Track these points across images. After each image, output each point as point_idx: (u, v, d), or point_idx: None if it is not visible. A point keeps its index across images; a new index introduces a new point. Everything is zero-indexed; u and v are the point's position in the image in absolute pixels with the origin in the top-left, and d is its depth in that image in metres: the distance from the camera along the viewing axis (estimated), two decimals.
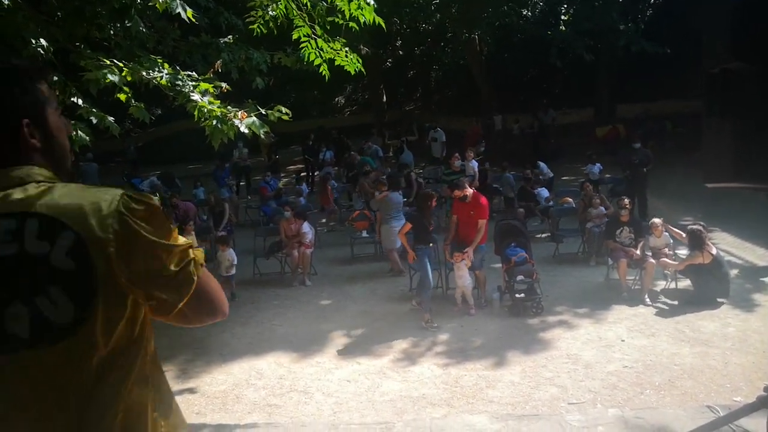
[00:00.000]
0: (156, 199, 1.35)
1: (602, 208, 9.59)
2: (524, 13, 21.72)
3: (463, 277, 7.35)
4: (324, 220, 12.87)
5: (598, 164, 13.08)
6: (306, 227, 9.14)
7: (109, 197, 1.29)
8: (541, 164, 13.39)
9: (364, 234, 10.23)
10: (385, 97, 23.70)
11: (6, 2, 4.78)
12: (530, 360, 6.05)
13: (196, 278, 1.36)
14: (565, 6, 19.37)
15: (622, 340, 6.37)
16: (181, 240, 1.36)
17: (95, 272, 1.24)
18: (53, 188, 1.30)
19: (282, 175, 17.59)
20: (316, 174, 16.78)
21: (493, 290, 7.68)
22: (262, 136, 5.04)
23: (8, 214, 1.25)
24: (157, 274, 1.30)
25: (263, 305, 8.27)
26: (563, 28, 18.94)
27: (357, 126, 24.77)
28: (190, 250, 1.37)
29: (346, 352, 6.55)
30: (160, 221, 1.32)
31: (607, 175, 13.21)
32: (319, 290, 8.75)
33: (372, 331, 7.07)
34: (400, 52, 26.15)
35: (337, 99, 29.47)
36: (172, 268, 1.32)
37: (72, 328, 1.24)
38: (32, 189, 1.29)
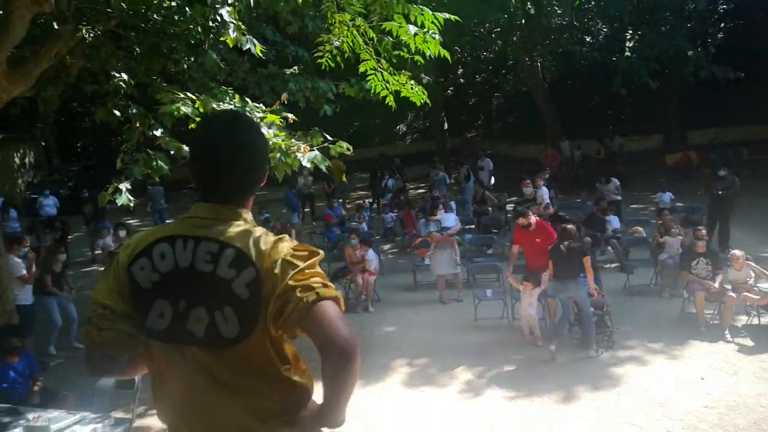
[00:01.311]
0: (319, 250, 1.61)
1: (679, 238, 9.18)
2: (588, 39, 21.43)
3: (532, 305, 7.15)
4: (394, 243, 12.86)
5: (668, 192, 12.58)
6: (371, 254, 9.15)
7: (280, 244, 1.57)
8: (614, 180, 12.92)
9: (427, 261, 10.14)
10: (446, 125, 23.72)
11: (91, 39, 5.07)
12: (601, 396, 5.79)
13: (310, 301, 1.48)
14: (630, 32, 18.96)
15: (702, 378, 6.01)
16: (322, 281, 1.53)
17: (261, 304, 1.52)
18: (251, 230, 1.60)
19: (344, 201, 17.77)
20: (380, 200, 16.86)
21: (562, 321, 7.43)
22: (324, 170, 5.13)
23: (214, 240, 1.57)
24: (288, 288, 1.50)
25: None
26: (628, 54, 18.51)
27: (418, 153, 24.86)
28: (324, 285, 1.52)
29: (410, 381, 6.45)
30: (312, 264, 1.56)
31: (679, 204, 12.67)
32: (383, 317, 8.70)
33: (436, 360, 6.94)
34: (462, 80, 26.19)
35: (398, 127, 29.73)
36: (304, 288, 1.50)
37: (233, 342, 1.54)
38: (238, 227, 1.60)
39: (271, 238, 1.59)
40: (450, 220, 9.67)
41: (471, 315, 8.01)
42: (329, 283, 1.55)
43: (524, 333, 7.32)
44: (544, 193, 11.65)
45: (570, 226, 7.24)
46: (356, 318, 8.69)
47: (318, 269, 1.57)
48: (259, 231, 1.60)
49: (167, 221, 15.72)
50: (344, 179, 18.10)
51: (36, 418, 4.45)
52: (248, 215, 1.67)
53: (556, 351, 6.70)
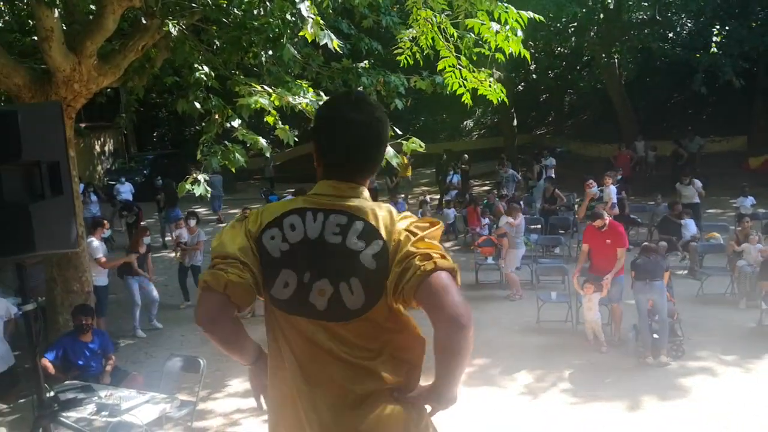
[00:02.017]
0: (440, 223, 1.67)
1: (759, 245, 8.73)
2: (670, 35, 20.56)
3: (592, 310, 6.99)
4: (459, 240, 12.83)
5: (750, 197, 11.96)
6: None
7: (405, 218, 1.64)
8: (697, 181, 12.38)
9: (490, 260, 10.06)
10: (515, 121, 23.34)
11: (175, 33, 5.29)
12: (668, 407, 5.60)
13: (427, 270, 1.51)
14: (718, 27, 18.06)
15: None
16: (440, 252, 1.56)
17: (388, 275, 1.55)
18: (377, 205, 1.66)
19: (406, 196, 17.81)
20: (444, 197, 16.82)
21: (629, 328, 7.22)
22: (396, 166, 5.16)
23: (343, 212, 1.62)
24: (409, 254, 1.54)
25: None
26: (715, 50, 17.67)
27: (484, 150, 24.57)
28: (443, 257, 1.55)
29: (468, 383, 6.42)
30: (432, 234, 1.60)
31: (761, 210, 12.01)
32: None
33: (495, 361, 6.89)
34: (533, 76, 25.67)
35: (465, 122, 29.46)
36: (423, 255, 1.54)
37: (358, 313, 1.58)
38: (363, 202, 1.66)
39: (396, 213, 1.65)
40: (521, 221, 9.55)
41: (533, 317, 7.90)
42: (447, 255, 1.57)
43: (588, 338, 7.16)
44: (612, 191, 11.25)
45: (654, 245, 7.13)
46: (416, 315, 8.72)
47: (437, 241, 1.61)
48: (384, 206, 1.67)
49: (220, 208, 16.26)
50: (409, 174, 18.14)
51: (108, 396, 4.69)
52: (368, 193, 1.71)
53: (645, 355, 6.59)
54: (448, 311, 1.47)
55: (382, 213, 1.62)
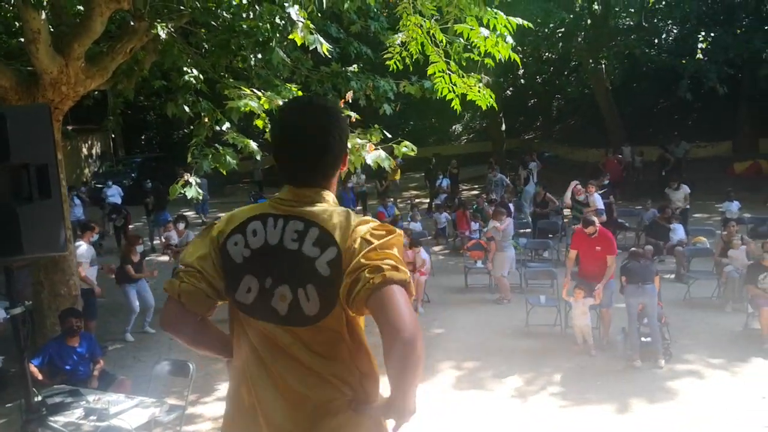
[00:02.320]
0: (398, 230, 1.65)
1: (743, 248, 8.82)
2: (656, 41, 20.78)
3: (585, 315, 7.02)
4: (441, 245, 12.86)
5: (736, 202, 12.09)
6: (423, 254, 9.16)
7: (362, 224, 1.61)
8: (685, 187, 12.50)
9: (479, 264, 10.09)
10: (504, 126, 23.46)
11: (163, 36, 5.27)
12: (656, 410, 5.64)
13: (376, 283, 1.49)
14: (703, 34, 18.27)
15: (763, 398, 5.78)
16: (394, 262, 1.54)
17: (341, 282, 1.55)
18: (335, 210, 1.66)
19: (395, 200, 17.83)
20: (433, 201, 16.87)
21: (617, 332, 7.26)
22: (387, 169, 5.17)
23: (300, 219, 1.63)
24: (359, 266, 1.53)
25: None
26: (700, 57, 17.87)
27: (473, 154, 24.66)
28: (394, 268, 1.53)
29: (457, 384, 6.44)
30: (388, 243, 1.58)
31: (747, 215, 12.15)
32: (432, 318, 8.70)
33: (485, 364, 6.90)
34: (522, 81, 25.83)
35: (454, 127, 29.57)
36: (373, 267, 1.52)
37: (314, 320, 1.60)
38: (322, 207, 1.66)
39: (354, 218, 1.64)
40: (510, 225, 9.58)
41: (522, 320, 7.92)
42: (401, 266, 1.55)
43: (577, 341, 7.20)
44: (597, 199, 11.29)
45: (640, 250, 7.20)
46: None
47: (393, 250, 1.58)
48: (342, 211, 1.66)
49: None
50: (398, 177, 18.16)
51: (96, 400, 4.65)
52: (331, 197, 1.73)
53: (634, 358, 6.63)
54: (393, 325, 1.46)
55: (338, 219, 1.63)
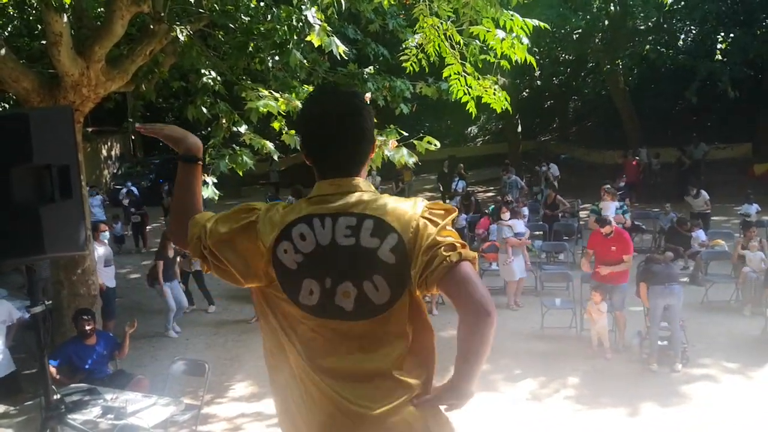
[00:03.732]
0: (454, 207, 1.67)
1: (760, 253, 8.71)
2: (675, 42, 20.58)
3: (601, 317, 6.98)
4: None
5: (755, 204, 11.93)
6: None
7: (414, 205, 1.63)
8: (704, 193, 12.39)
9: (494, 266, 10.05)
10: (520, 127, 23.35)
11: (182, 38, 5.34)
12: (671, 414, 5.60)
13: (454, 261, 1.53)
14: (722, 34, 18.07)
15: None
16: (460, 242, 1.59)
17: (409, 266, 1.56)
18: (379, 197, 1.66)
19: None
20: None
21: (633, 335, 7.21)
22: (411, 166, 5.18)
23: (350, 214, 1.61)
24: (436, 244, 1.55)
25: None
26: (718, 58, 17.68)
27: (489, 156, 24.57)
28: (463, 246, 1.58)
29: None
30: (445, 222, 1.61)
31: (766, 217, 11.98)
32: (446, 320, 8.66)
33: (498, 367, 6.87)
34: (538, 82, 25.70)
35: (470, 128, 29.48)
36: (448, 246, 1.56)
37: (385, 308, 1.59)
38: (367, 196, 1.65)
39: (405, 201, 1.65)
40: (520, 225, 9.55)
41: (537, 323, 7.89)
42: (466, 243, 1.60)
43: (593, 344, 7.16)
44: (611, 209, 11.10)
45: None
46: None
47: (452, 228, 1.63)
48: (389, 197, 1.66)
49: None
50: (408, 179, 18.15)
51: (114, 399, 4.71)
52: (368, 185, 1.70)
53: (651, 362, 6.60)
54: (476, 300, 1.52)
55: (390, 205, 1.62)
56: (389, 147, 4.82)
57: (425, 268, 1.54)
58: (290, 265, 1.63)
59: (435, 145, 5.00)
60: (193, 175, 1.89)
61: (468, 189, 16.56)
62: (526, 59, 4.66)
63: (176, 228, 1.82)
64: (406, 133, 5.32)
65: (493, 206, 13.68)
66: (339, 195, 1.64)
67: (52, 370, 5.41)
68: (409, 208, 1.61)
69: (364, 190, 1.66)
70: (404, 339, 1.65)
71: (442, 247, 1.54)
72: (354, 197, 1.63)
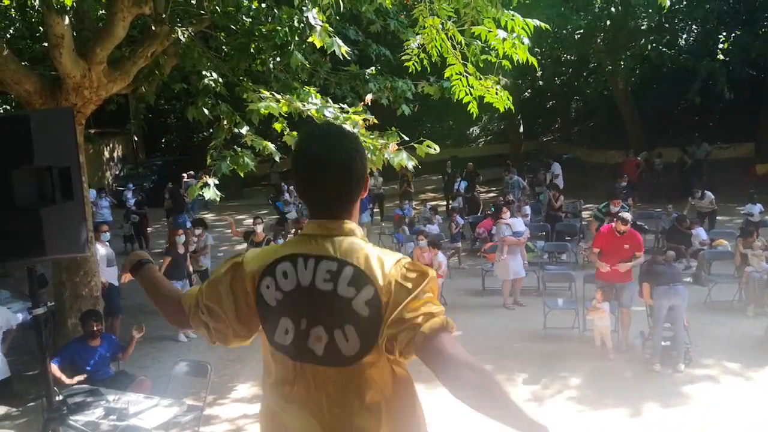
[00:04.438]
0: (432, 271, 1.61)
1: (761, 251, 8.68)
2: (676, 42, 20.55)
3: (605, 316, 6.96)
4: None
5: (759, 204, 11.90)
6: (441, 257, 9.15)
7: (394, 262, 1.59)
8: (709, 194, 12.38)
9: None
10: (522, 127, 23.33)
11: (184, 40, 5.34)
12: (670, 414, 5.60)
13: (431, 331, 1.51)
14: (724, 34, 18.01)
15: None
16: (436, 308, 1.56)
17: (382, 321, 1.54)
18: (364, 246, 1.63)
19: (415, 203, 17.83)
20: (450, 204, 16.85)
21: (636, 335, 7.19)
22: (411, 169, 5.18)
23: (332, 258, 1.60)
24: (403, 320, 1.53)
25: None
26: (720, 58, 17.62)
27: (491, 156, 24.55)
28: (441, 315, 1.55)
29: None
30: (425, 288, 1.56)
31: None
32: None
33: (501, 368, 6.86)
34: (540, 83, 25.68)
35: (472, 129, 29.46)
36: (419, 318, 1.53)
37: (353, 360, 1.58)
38: (353, 243, 1.63)
39: (388, 255, 1.62)
40: (519, 224, 9.54)
41: (540, 323, 7.88)
42: (439, 307, 1.56)
43: (595, 344, 7.14)
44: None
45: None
46: None
47: (429, 293, 1.57)
48: (372, 248, 1.64)
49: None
50: (410, 179, 18.14)
51: (116, 400, 4.71)
52: (358, 229, 1.69)
53: (654, 362, 6.58)
54: (453, 360, 1.48)
55: (371, 256, 1.59)
56: (389, 150, 4.81)
57: (397, 339, 1.52)
58: (270, 302, 1.65)
59: (434, 149, 4.99)
60: (149, 275, 2.01)
61: (475, 191, 16.53)
62: (527, 59, 4.65)
63: (171, 316, 1.90)
64: (407, 138, 5.31)
65: (493, 207, 13.69)
66: (324, 237, 1.64)
67: (54, 368, 5.43)
68: (390, 266, 1.58)
69: (353, 235, 1.65)
70: (373, 397, 1.62)
71: (414, 320, 1.51)
72: (340, 242, 1.62)
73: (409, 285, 1.55)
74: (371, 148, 4.79)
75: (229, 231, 11.23)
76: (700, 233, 10.49)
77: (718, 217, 13.10)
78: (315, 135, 1.73)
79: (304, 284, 1.61)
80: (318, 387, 1.62)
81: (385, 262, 1.58)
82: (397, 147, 4.89)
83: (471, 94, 5.00)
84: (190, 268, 8.57)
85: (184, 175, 17.45)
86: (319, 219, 1.67)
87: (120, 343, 6.15)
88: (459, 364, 1.48)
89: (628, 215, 7.59)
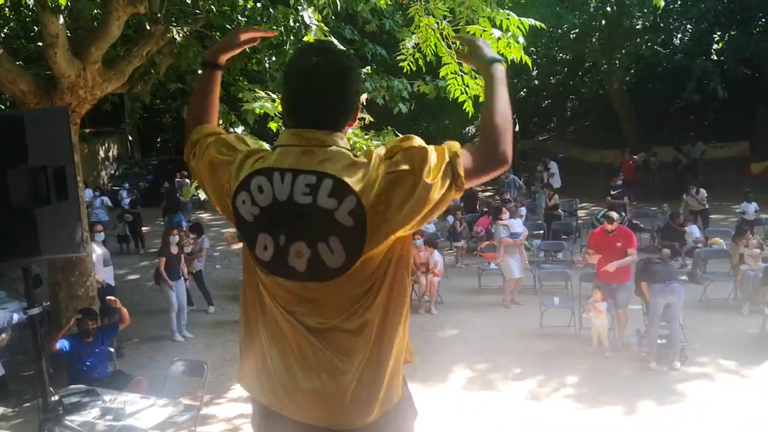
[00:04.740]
0: (417, 139, 1.54)
1: (757, 250, 8.72)
2: (671, 41, 20.62)
3: (601, 316, 6.97)
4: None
5: (754, 203, 11.95)
6: (437, 255, 9.16)
7: (375, 162, 1.51)
8: (703, 191, 12.46)
9: (493, 266, 10.06)
10: (517, 127, 23.36)
11: (179, 39, 5.33)
12: (666, 412, 5.62)
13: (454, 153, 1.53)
14: (719, 33, 18.09)
15: None
16: (444, 151, 1.53)
17: (367, 230, 1.48)
18: (345, 156, 1.54)
19: None
20: None
21: (632, 333, 7.21)
22: None
23: (311, 171, 1.52)
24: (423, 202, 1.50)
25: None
26: (714, 57, 17.71)
27: None
28: (447, 152, 1.53)
29: (469, 386, 6.43)
30: (420, 154, 1.50)
31: (764, 215, 12.00)
32: (445, 320, 8.70)
33: (497, 366, 6.88)
34: (535, 82, 25.72)
35: (467, 128, 29.48)
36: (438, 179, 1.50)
37: (339, 272, 1.52)
38: (331, 153, 1.54)
39: (366, 159, 1.54)
40: (517, 225, 9.56)
41: (536, 322, 7.89)
42: (443, 147, 1.55)
43: (592, 343, 7.16)
44: None
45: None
46: (418, 320, 8.72)
47: (426, 152, 1.52)
48: (353, 156, 1.56)
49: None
50: None
51: (112, 400, 4.70)
52: (343, 141, 1.59)
53: (650, 360, 6.60)
54: (495, 155, 1.59)
55: (351, 165, 1.52)
56: None
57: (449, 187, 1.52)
58: (247, 217, 1.59)
59: None
60: (209, 82, 1.92)
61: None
62: (521, 58, 4.65)
63: (186, 133, 1.86)
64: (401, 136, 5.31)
65: (487, 208, 13.71)
66: (306, 147, 1.56)
67: (57, 347, 5.46)
68: (371, 167, 1.50)
69: (334, 145, 1.56)
70: (365, 304, 1.59)
71: (445, 172, 1.51)
72: (318, 153, 1.55)
73: (406, 166, 1.49)
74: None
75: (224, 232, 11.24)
76: (693, 231, 10.56)
77: (712, 216, 13.15)
78: (313, 46, 1.71)
79: (281, 199, 1.53)
80: (298, 302, 1.60)
81: (368, 170, 1.50)
82: None
83: (466, 94, 4.99)
84: (185, 270, 8.55)
85: (177, 174, 17.41)
86: (298, 128, 1.59)
87: (114, 325, 6.20)
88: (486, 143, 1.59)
89: (614, 213, 7.65)
